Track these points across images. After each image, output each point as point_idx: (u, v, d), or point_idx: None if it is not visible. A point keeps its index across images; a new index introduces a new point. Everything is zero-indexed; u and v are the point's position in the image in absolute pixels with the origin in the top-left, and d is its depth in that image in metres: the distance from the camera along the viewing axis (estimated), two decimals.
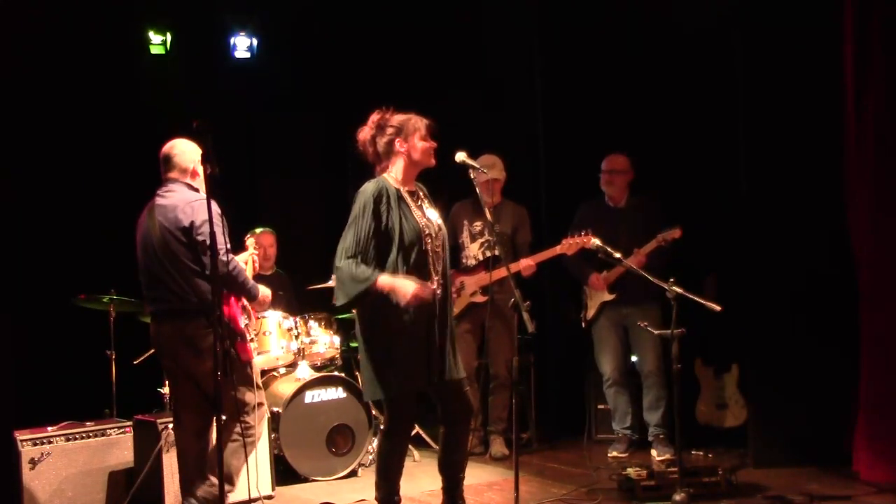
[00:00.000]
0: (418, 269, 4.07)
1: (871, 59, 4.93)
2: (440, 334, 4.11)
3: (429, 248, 4.12)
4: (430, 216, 4.22)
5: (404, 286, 3.94)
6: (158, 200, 4.21)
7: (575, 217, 6.01)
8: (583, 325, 6.07)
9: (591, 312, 6.00)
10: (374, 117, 4.22)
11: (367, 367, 4.12)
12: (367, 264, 4.00)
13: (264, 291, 4.44)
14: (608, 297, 5.88)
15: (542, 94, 7.01)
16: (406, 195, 4.16)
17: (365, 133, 4.22)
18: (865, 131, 4.97)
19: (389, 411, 4.16)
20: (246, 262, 4.68)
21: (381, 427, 5.32)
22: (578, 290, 6.12)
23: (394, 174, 4.18)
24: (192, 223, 4.06)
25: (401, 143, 4.16)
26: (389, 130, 4.17)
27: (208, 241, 3.69)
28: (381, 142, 4.18)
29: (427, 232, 4.12)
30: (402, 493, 4.29)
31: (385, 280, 3.96)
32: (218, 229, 3.69)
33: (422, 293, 3.96)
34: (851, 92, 5.01)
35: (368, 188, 4.10)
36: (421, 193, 4.29)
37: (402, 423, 4.17)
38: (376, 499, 4.27)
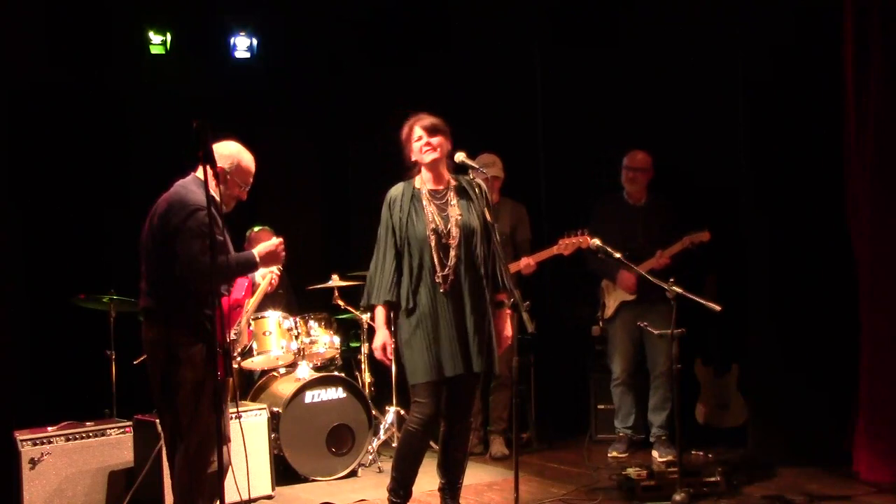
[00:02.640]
0: (423, 265, 4.21)
1: (871, 59, 4.94)
2: (453, 330, 4.19)
3: (432, 243, 4.21)
4: (451, 213, 4.29)
5: (377, 338, 4.30)
6: (169, 194, 4.02)
7: (592, 213, 5.97)
8: (599, 323, 6.06)
9: (609, 311, 5.98)
10: (405, 127, 4.39)
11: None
12: (384, 267, 4.28)
13: (261, 251, 4.08)
14: (628, 297, 5.86)
15: (542, 93, 7.01)
16: (426, 194, 4.31)
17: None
18: (865, 131, 4.97)
19: (413, 402, 4.29)
20: (264, 276, 4.57)
21: (385, 423, 5.33)
22: (594, 288, 6.07)
23: (422, 175, 4.38)
24: (177, 228, 3.82)
25: (410, 151, 4.35)
26: (406, 140, 4.37)
27: (187, 250, 3.68)
28: (407, 150, 4.39)
29: (434, 227, 4.23)
30: None
31: (378, 317, 4.31)
32: (202, 240, 3.65)
33: (380, 355, 4.31)
34: (851, 92, 5.02)
35: (389, 193, 4.38)
36: (452, 191, 4.35)
37: (418, 415, 4.22)
38: (388, 489, 4.36)
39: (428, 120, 4.30)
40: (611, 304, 5.97)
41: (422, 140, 4.28)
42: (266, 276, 4.56)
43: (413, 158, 4.34)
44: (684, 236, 5.66)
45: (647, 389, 5.92)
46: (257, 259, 4.05)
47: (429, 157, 4.28)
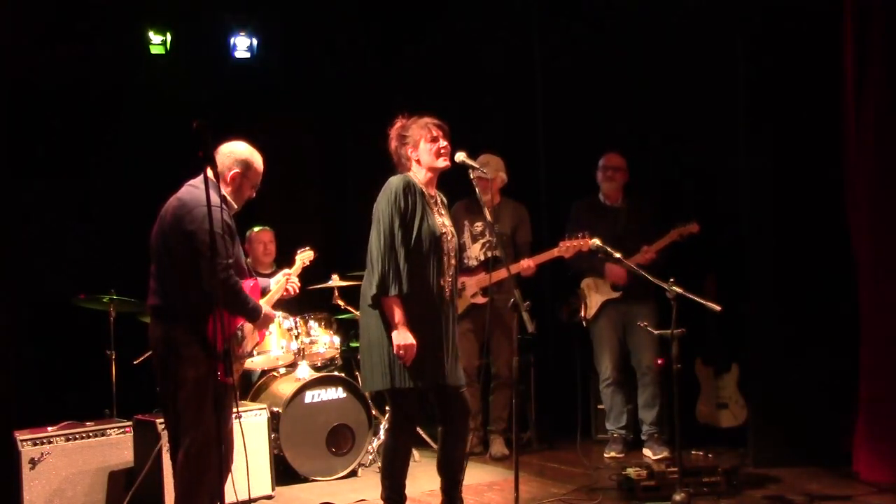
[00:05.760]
0: (430, 267, 4.15)
1: (871, 59, 4.94)
2: (447, 338, 4.18)
3: (444, 247, 4.20)
4: (445, 221, 4.31)
5: (400, 334, 4.02)
6: (181, 193, 4.04)
7: (570, 216, 6.01)
8: (583, 324, 6.06)
9: (592, 311, 5.98)
10: (395, 127, 4.30)
11: (375, 360, 4.15)
12: (398, 256, 4.06)
13: (269, 312, 4.17)
14: (613, 294, 5.85)
15: (542, 93, 7.00)
16: (427, 196, 4.25)
17: (391, 144, 4.31)
18: (865, 131, 4.98)
19: (393, 407, 4.23)
20: (286, 274, 4.56)
21: (385, 425, 5.30)
22: (576, 287, 6.08)
23: (419, 176, 4.27)
24: (192, 230, 3.86)
25: (412, 150, 4.24)
26: (404, 140, 4.26)
27: (206, 250, 3.63)
28: (401, 151, 4.28)
29: (443, 231, 4.21)
30: None
31: (398, 312, 4.04)
32: (220, 240, 3.62)
33: (406, 354, 4.03)
34: (851, 92, 5.02)
35: (394, 181, 4.19)
36: (439, 200, 4.36)
37: (405, 419, 4.20)
38: (381, 497, 4.30)
39: (439, 121, 4.24)
40: (593, 303, 5.96)
41: (438, 143, 4.20)
42: (280, 282, 4.54)
43: (424, 161, 4.21)
44: (672, 229, 5.66)
45: (635, 387, 5.92)
46: (260, 314, 4.05)
47: (444, 162, 4.22)
